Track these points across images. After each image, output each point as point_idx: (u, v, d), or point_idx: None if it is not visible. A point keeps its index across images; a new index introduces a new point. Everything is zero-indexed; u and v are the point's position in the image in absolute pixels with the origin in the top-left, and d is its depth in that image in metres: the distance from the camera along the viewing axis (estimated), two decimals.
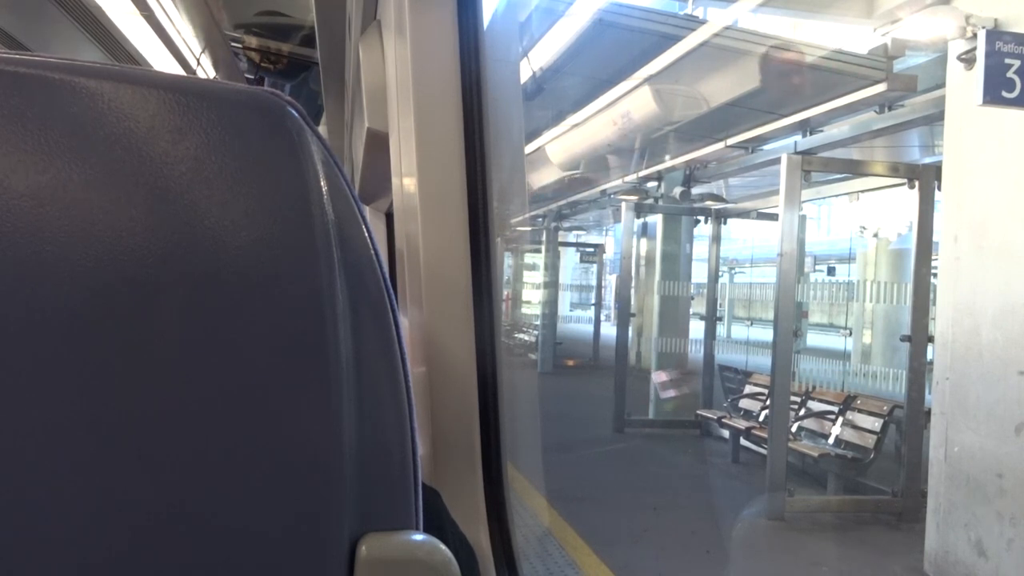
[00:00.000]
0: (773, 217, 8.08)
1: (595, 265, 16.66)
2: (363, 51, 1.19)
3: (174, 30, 4.20)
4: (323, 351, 0.43)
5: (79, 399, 0.40)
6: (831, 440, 6.50)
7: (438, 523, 0.71)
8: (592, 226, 17.84)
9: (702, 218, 9.43)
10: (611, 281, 16.21)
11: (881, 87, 5.24)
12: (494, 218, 0.90)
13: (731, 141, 7.63)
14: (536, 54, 5.72)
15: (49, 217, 0.40)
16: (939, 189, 5.08)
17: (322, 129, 3.45)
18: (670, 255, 9.58)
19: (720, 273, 10.30)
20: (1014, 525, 4.03)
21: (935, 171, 5.41)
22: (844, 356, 8.34)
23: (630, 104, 6.54)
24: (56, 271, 0.40)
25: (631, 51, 5.77)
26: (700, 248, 9.93)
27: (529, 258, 15.55)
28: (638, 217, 9.94)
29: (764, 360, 7.18)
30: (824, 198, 11.10)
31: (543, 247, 13.87)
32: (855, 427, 6.33)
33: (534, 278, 15.48)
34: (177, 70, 4.76)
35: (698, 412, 8.64)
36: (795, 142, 6.88)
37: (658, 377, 9.26)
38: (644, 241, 10.75)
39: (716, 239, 9.26)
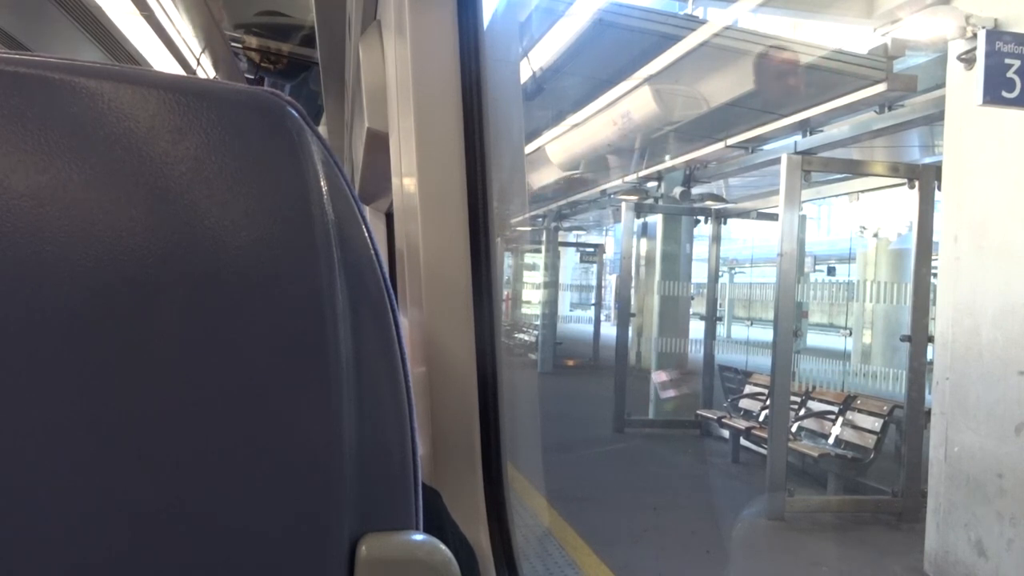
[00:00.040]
0: (773, 217, 8.08)
1: (595, 265, 16.66)
2: (363, 51, 1.19)
3: (174, 30, 4.20)
4: (323, 351, 0.43)
5: (79, 399, 0.40)
6: (831, 440, 6.50)
7: (438, 523, 0.71)
8: (592, 226, 17.84)
9: (702, 218, 9.43)
10: (611, 281, 16.21)
11: (881, 87, 5.24)
12: (494, 218, 0.90)
13: (731, 141, 7.63)
14: (536, 54, 5.72)
15: (49, 217, 0.40)
16: (939, 189, 5.08)
17: (322, 129, 3.45)
18: (670, 255, 9.58)
19: (720, 273, 10.30)
20: (1014, 525, 4.03)
21: (935, 171, 5.41)
22: (844, 356, 8.34)
23: (630, 104, 6.54)
24: (56, 271, 0.40)
25: (631, 51, 5.77)
26: (700, 248, 9.93)
27: (529, 258, 15.55)
28: (638, 217, 9.94)
29: (764, 360, 7.18)
30: (824, 198, 11.11)
31: (543, 247, 13.87)
32: (855, 427, 6.33)
33: (534, 278, 15.48)
34: (177, 70, 4.76)
35: (698, 412, 8.64)
36: (795, 142, 6.88)
37: (658, 377, 9.26)
38: (644, 241, 10.75)
39: (716, 239, 9.26)
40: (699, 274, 10.00)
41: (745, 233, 14.79)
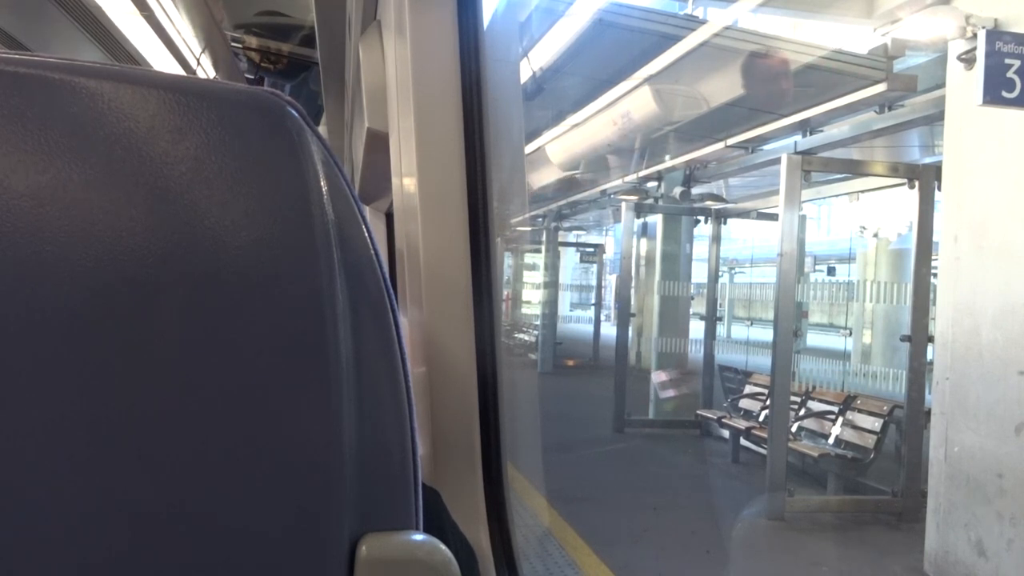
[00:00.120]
0: (773, 217, 8.09)
1: (595, 265, 16.66)
2: (363, 51, 1.19)
3: (174, 30, 4.20)
4: (323, 351, 0.43)
5: (79, 399, 0.40)
6: (831, 440, 6.50)
7: (438, 523, 0.71)
8: (592, 226, 17.84)
9: (702, 218, 9.43)
10: (611, 281, 16.21)
11: (881, 87, 5.24)
12: (494, 218, 0.90)
13: (731, 141, 7.63)
14: (536, 54, 5.72)
15: (49, 217, 0.40)
16: (939, 189, 5.08)
17: (322, 129, 3.45)
18: (670, 255, 9.58)
19: (720, 273, 10.30)
20: (1014, 525, 4.03)
21: (935, 171, 5.41)
22: (844, 356, 8.34)
23: (630, 104, 6.53)
24: (56, 271, 0.40)
25: (631, 51, 5.77)
26: (700, 248, 9.94)
27: (529, 258, 15.56)
28: (638, 217, 9.94)
29: (764, 360, 7.18)
30: (824, 198, 11.10)
31: (543, 247, 13.87)
32: (855, 427, 6.33)
33: (534, 278, 15.48)
34: (177, 70, 4.76)
35: (698, 412, 8.64)
36: (795, 142, 6.88)
37: (658, 377, 9.25)
38: (644, 241, 10.75)
39: (716, 239, 9.26)
40: (699, 274, 10.00)
41: (745, 233, 14.79)
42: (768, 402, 6.63)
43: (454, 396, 0.88)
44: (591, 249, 16.63)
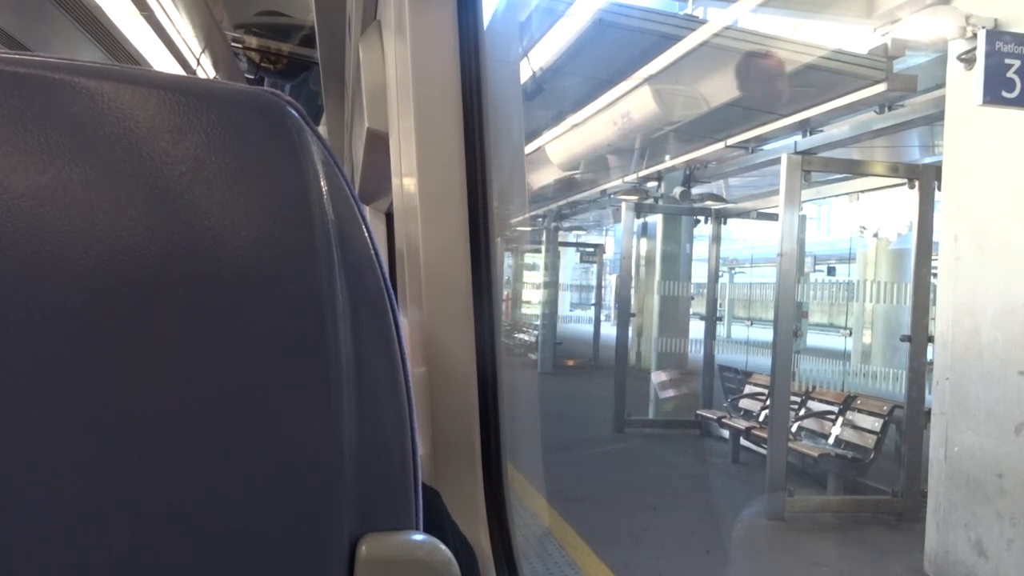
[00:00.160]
0: (773, 217, 8.08)
1: (595, 265, 16.66)
2: (363, 51, 1.19)
3: (174, 30, 4.20)
4: (323, 351, 0.43)
5: (79, 399, 0.40)
6: (831, 440, 6.50)
7: (438, 523, 0.71)
8: (592, 226, 17.84)
9: (702, 218, 9.43)
10: (611, 281, 16.21)
11: (881, 87, 5.24)
12: (494, 218, 0.90)
13: (731, 141, 7.63)
14: (536, 54, 5.72)
15: (49, 217, 0.40)
16: (939, 189, 5.08)
17: (322, 129, 3.45)
18: (670, 255, 9.58)
19: (720, 273, 10.30)
20: (1014, 525, 4.03)
21: (935, 171, 5.41)
22: (844, 356, 8.34)
23: (630, 104, 6.53)
24: (56, 271, 0.40)
25: (631, 51, 5.77)
26: (700, 248, 9.94)
27: (529, 258, 15.56)
28: (638, 217, 9.94)
29: (764, 360, 7.18)
30: (824, 198, 11.11)
31: (543, 247, 13.87)
32: (855, 427, 6.33)
33: (534, 278, 15.48)
34: (177, 70, 4.76)
35: (698, 412, 8.64)
36: (795, 142, 6.88)
37: (658, 377, 9.26)
38: (644, 241, 10.75)
39: (716, 239, 9.26)
40: (699, 274, 10.00)
41: (745, 233, 14.79)
42: (768, 402, 6.63)
43: (454, 396, 0.88)
44: (591, 249, 16.63)
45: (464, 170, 0.88)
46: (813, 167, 6.01)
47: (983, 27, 4.08)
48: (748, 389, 8.02)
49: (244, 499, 0.42)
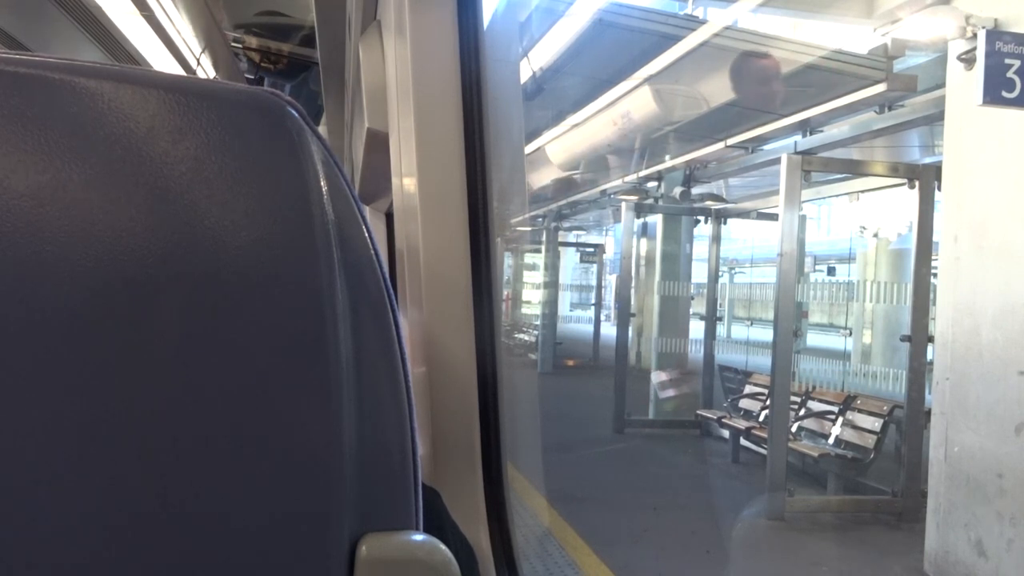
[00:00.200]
0: (773, 217, 8.09)
1: (595, 265, 16.66)
2: (363, 51, 1.19)
3: (174, 30, 4.20)
4: (323, 351, 0.43)
5: (79, 399, 0.40)
6: (831, 440, 6.50)
7: (438, 523, 0.71)
8: (592, 226, 17.84)
9: (702, 218, 9.43)
10: (611, 281, 16.21)
11: (881, 87, 5.24)
12: (494, 218, 0.90)
13: (731, 141, 7.63)
14: (536, 54, 5.72)
15: (49, 217, 0.40)
16: (939, 189, 5.08)
17: (322, 129, 3.45)
18: (670, 255, 9.58)
19: (720, 273, 10.30)
20: (1014, 525, 4.03)
21: (935, 171, 5.42)
22: (844, 356, 8.34)
23: (630, 104, 6.54)
24: (56, 271, 0.40)
25: (631, 51, 5.77)
26: (700, 248, 9.94)
27: (529, 258, 15.56)
28: (638, 217, 9.94)
29: (764, 360, 7.18)
30: (824, 198, 11.11)
31: (543, 247, 13.87)
32: (855, 427, 6.33)
33: (534, 278, 15.48)
34: (177, 70, 4.76)
35: (698, 412, 8.64)
36: (795, 142, 6.88)
37: (658, 377, 9.26)
38: (644, 241, 10.75)
39: (716, 239, 9.26)
40: (699, 274, 10.00)
41: (745, 233, 14.79)
42: (768, 402, 6.63)
43: (454, 396, 0.88)
44: (591, 249, 16.63)
45: (464, 170, 0.88)
46: (813, 167, 6.01)
47: (983, 27, 4.08)
48: (748, 389, 8.02)
49: (244, 499, 0.42)
